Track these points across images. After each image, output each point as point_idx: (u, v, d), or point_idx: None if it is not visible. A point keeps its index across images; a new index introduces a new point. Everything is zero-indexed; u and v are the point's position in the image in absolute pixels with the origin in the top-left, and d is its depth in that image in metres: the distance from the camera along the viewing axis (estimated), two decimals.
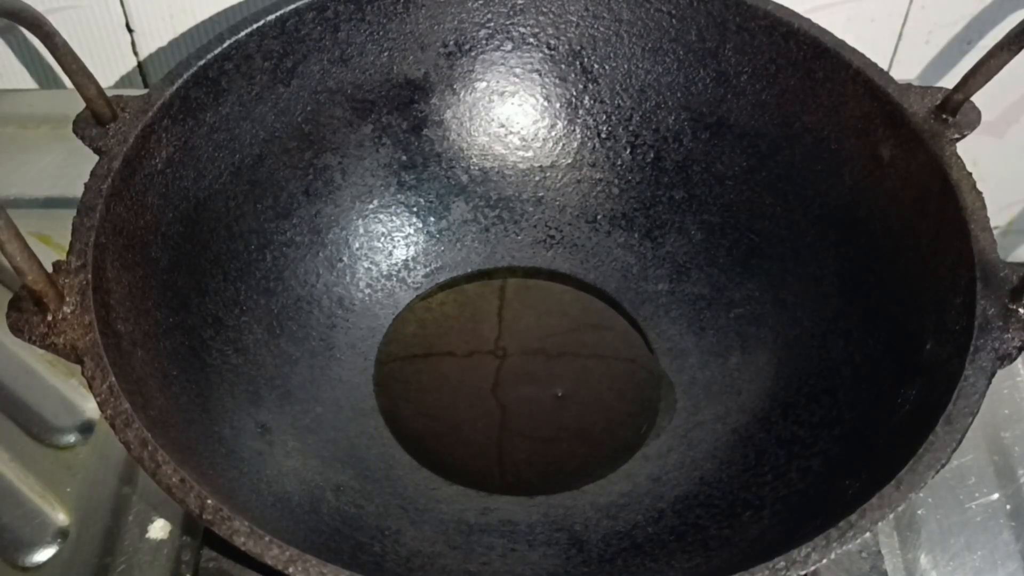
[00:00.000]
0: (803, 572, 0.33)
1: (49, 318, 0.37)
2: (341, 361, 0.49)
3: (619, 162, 0.53)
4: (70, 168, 0.42)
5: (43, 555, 0.43)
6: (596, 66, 0.52)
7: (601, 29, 0.52)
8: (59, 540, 0.44)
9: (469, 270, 0.53)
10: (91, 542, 0.43)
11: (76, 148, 0.43)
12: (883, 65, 0.46)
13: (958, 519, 0.45)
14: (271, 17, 0.47)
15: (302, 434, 0.45)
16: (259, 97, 0.48)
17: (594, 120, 0.53)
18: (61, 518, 0.44)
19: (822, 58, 0.46)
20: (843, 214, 0.47)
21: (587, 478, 0.46)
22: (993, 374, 0.37)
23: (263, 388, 0.46)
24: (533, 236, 0.54)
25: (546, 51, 0.53)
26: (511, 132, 0.54)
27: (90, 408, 0.48)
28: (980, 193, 0.41)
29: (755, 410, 0.47)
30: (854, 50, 0.46)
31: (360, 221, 0.52)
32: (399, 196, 0.53)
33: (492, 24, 0.52)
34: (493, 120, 0.54)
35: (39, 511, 0.45)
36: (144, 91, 0.44)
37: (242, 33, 0.46)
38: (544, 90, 0.53)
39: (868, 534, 0.34)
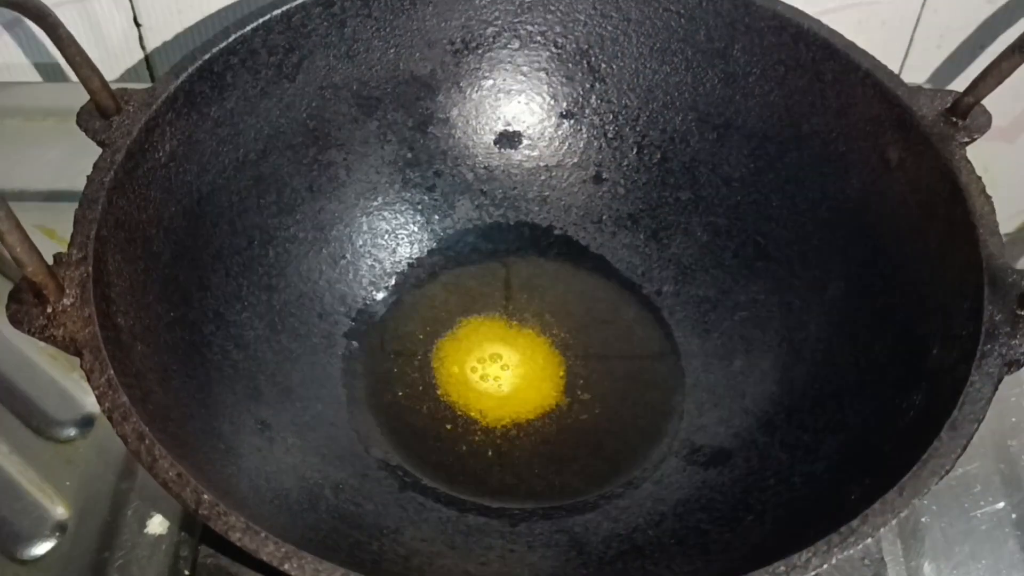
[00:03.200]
0: None
1: (49, 310, 0.37)
2: (342, 358, 0.49)
3: (625, 162, 0.53)
4: (74, 161, 0.42)
5: (41, 548, 0.43)
6: (603, 65, 0.52)
7: (609, 28, 0.51)
8: (58, 533, 0.44)
9: (473, 268, 0.53)
10: (90, 536, 0.43)
11: (81, 142, 0.43)
12: (894, 68, 0.46)
13: (963, 527, 0.45)
14: (277, 12, 0.47)
15: (302, 431, 0.45)
16: (264, 92, 0.48)
17: (601, 120, 0.53)
18: (60, 512, 0.44)
19: (831, 60, 0.46)
20: (850, 217, 0.47)
21: (590, 483, 0.46)
22: (1000, 380, 0.37)
23: (263, 384, 0.46)
24: (538, 236, 0.54)
25: (553, 50, 0.52)
26: (517, 131, 0.54)
27: (90, 402, 0.47)
28: (989, 197, 0.41)
29: (759, 414, 0.46)
30: (864, 52, 0.46)
31: (364, 218, 0.52)
32: (404, 193, 0.53)
33: (499, 22, 0.52)
34: (499, 118, 0.54)
35: (38, 504, 0.44)
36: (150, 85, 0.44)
37: (248, 28, 0.46)
38: (551, 89, 0.53)
39: (871, 541, 0.34)
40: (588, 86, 0.53)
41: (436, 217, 0.53)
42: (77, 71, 0.42)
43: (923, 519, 0.45)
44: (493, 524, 0.44)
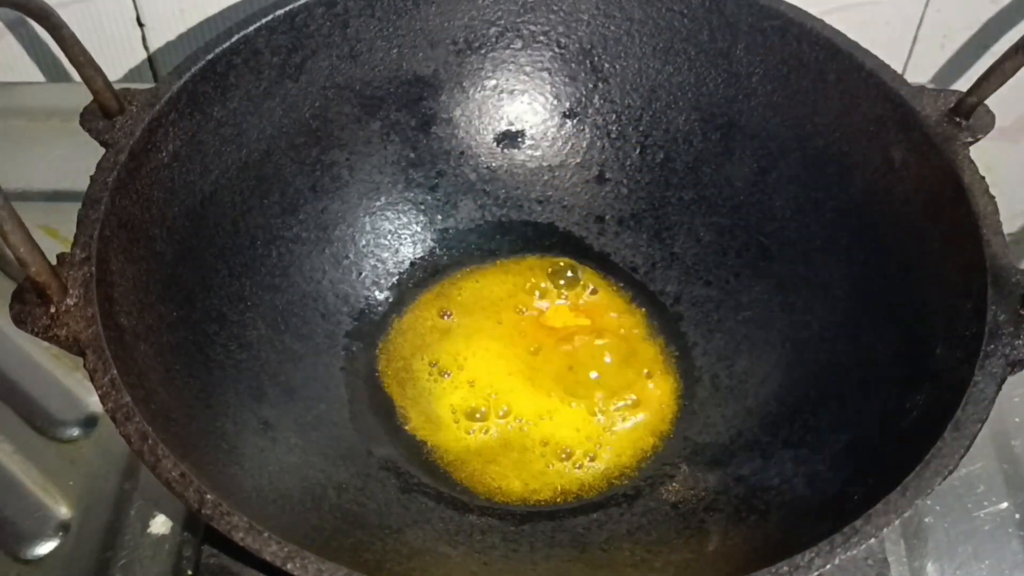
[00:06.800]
0: None
1: (52, 310, 0.37)
2: (345, 358, 0.49)
3: (628, 162, 0.53)
4: (78, 161, 0.42)
5: (44, 548, 0.43)
6: (606, 65, 0.52)
7: (612, 28, 0.51)
8: (61, 533, 0.44)
9: (476, 269, 0.53)
10: (92, 536, 0.43)
11: (84, 142, 0.43)
12: (898, 69, 0.45)
13: (966, 528, 0.45)
14: (280, 12, 0.47)
15: (305, 431, 0.45)
16: (267, 92, 0.48)
17: (604, 120, 0.53)
18: (63, 511, 0.44)
19: (835, 60, 0.46)
20: (854, 217, 0.47)
21: (593, 483, 0.46)
22: (1003, 381, 0.37)
23: (266, 384, 0.46)
24: (540, 236, 0.54)
25: (556, 49, 0.52)
26: (520, 130, 0.54)
27: (93, 402, 0.48)
28: (993, 197, 0.41)
29: (762, 414, 0.46)
30: (867, 52, 0.46)
31: (367, 218, 0.52)
32: (406, 193, 0.53)
33: (502, 22, 0.52)
34: (502, 118, 0.53)
35: (41, 504, 0.45)
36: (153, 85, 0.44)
37: (251, 28, 0.46)
38: (554, 88, 0.53)
39: (874, 541, 0.34)
40: (591, 86, 0.53)
41: (439, 217, 0.53)
42: (80, 71, 0.42)
43: (926, 519, 0.45)
44: (496, 524, 0.44)
